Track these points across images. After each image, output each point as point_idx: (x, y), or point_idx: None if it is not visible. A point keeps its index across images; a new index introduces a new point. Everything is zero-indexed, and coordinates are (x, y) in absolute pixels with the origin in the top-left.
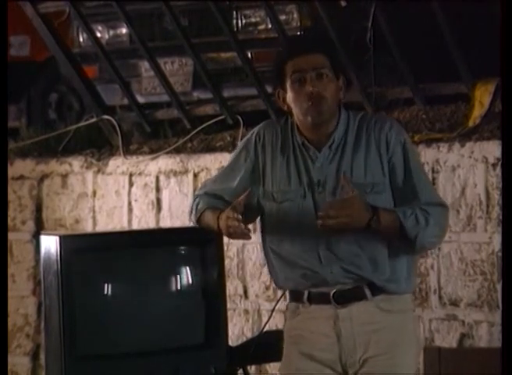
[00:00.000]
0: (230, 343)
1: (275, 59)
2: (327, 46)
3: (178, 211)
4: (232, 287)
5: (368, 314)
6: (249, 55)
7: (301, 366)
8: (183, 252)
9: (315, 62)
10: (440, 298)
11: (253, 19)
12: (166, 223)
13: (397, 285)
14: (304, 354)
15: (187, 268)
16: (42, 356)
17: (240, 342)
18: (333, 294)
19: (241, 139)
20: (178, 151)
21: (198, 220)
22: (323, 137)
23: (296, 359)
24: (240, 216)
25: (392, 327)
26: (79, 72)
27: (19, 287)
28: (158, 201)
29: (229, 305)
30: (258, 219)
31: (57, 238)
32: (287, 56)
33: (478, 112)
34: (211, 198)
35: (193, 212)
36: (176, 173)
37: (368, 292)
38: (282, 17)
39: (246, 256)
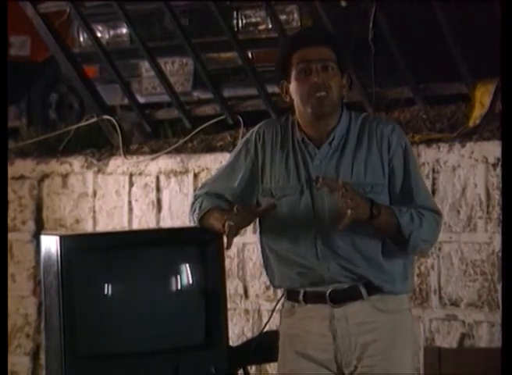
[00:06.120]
0: (230, 343)
1: (280, 50)
2: (334, 40)
3: (178, 211)
4: (232, 287)
5: (364, 314)
6: (249, 55)
7: (296, 366)
8: (183, 252)
9: (322, 53)
10: (440, 298)
11: (253, 19)
12: (166, 223)
13: (393, 285)
14: (299, 353)
15: (187, 268)
16: (42, 356)
17: (240, 342)
18: (329, 294)
19: (241, 139)
20: (178, 151)
21: (200, 220)
22: (323, 134)
23: (292, 359)
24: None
25: (388, 327)
26: (79, 72)
27: (20, 287)
28: (159, 201)
29: (229, 305)
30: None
31: (57, 238)
32: (293, 47)
33: (478, 113)
34: (213, 198)
35: (196, 211)
36: (176, 173)
37: (363, 292)
38: (283, 17)
39: (246, 256)
